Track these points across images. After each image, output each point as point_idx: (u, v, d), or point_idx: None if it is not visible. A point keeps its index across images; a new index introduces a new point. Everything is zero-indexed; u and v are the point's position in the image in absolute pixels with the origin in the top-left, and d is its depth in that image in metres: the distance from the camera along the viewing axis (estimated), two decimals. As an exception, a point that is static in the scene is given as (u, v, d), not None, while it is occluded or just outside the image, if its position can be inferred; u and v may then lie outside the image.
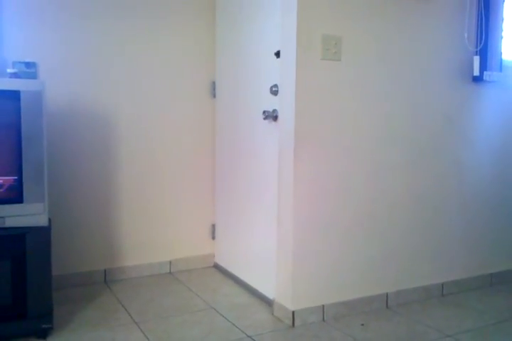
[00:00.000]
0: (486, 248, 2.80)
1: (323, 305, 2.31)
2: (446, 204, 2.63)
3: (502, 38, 2.61)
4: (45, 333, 2.09)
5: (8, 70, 2.13)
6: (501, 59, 2.62)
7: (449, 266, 2.67)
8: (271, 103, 2.40)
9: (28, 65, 2.20)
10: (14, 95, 1.97)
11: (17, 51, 2.48)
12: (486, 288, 2.76)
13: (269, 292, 2.48)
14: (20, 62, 2.19)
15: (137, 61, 2.80)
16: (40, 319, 2.06)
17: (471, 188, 2.70)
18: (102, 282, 2.80)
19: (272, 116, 2.37)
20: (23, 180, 2.00)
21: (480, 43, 2.58)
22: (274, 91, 2.34)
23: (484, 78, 2.58)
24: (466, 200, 2.70)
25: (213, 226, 3.11)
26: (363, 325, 2.27)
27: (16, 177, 2.00)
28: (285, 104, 2.24)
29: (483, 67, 2.58)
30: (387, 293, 2.48)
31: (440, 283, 2.64)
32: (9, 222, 2.00)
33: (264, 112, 2.39)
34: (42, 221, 2.05)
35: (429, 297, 2.60)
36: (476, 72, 2.58)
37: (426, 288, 2.60)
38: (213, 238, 3.12)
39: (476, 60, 2.58)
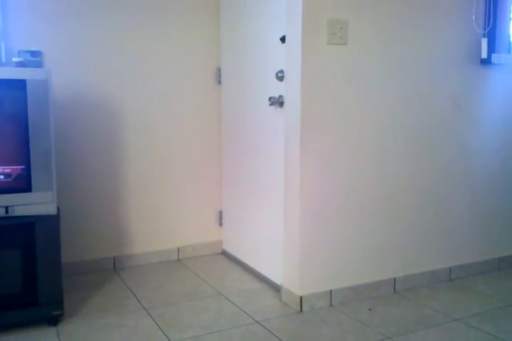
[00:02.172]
0: (494, 232, 2.79)
1: (330, 291, 2.32)
2: (454, 189, 2.62)
3: (510, 19, 2.57)
4: (55, 320, 2.12)
5: (14, 59, 2.13)
6: (509, 41, 2.59)
7: (457, 250, 2.67)
8: (277, 89, 2.39)
9: (33, 53, 2.19)
10: (20, 84, 1.97)
11: (22, 40, 2.48)
12: (494, 272, 2.76)
13: (276, 278, 2.49)
14: (25, 51, 2.18)
15: (142, 48, 2.79)
16: (51, 306, 2.09)
17: (478, 173, 2.69)
18: (111, 269, 2.83)
19: (277, 102, 2.36)
20: (31, 169, 2.01)
21: (488, 25, 2.54)
22: (280, 76, 2.33)
23: (492, 61, 2.55)
24: (474, 185, 2.68)
25: (220, 213, 3.12)
26: (370, 309, 2.28)
27: (23, 167, 2.01)
28: (291, 90, 2.23)
29: (491, 49, 2.54)
30: (394, 278, 2.49)
31: (448, 268, 2.64)
32: (18, 211, 2.02)
33: (270, 98, 2.38)
34: (51, 209, 2.07)
35: (437, 281, 2.61)
36: (484, 55, 2.55)
37: (434, 272, 2.60)
38: (221, 225, 3.13)
39: (484, 42, 2.54)
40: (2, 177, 1.99)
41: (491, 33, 2.55)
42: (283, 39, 2.28)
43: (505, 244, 2.83)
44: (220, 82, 3.02)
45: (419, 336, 2.02)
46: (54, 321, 2.11)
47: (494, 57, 2.55)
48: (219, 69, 3.01)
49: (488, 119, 2.67)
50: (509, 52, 2.59)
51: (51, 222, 2.07)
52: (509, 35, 2.58)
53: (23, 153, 2.00)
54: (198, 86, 2.97)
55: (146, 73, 2.82)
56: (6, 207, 2.00)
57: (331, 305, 2.32)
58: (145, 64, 2.81)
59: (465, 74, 2.56)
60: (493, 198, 2.76)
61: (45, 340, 1.99)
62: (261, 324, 2.14)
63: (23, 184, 2.01)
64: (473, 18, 2.53)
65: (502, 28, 2.56)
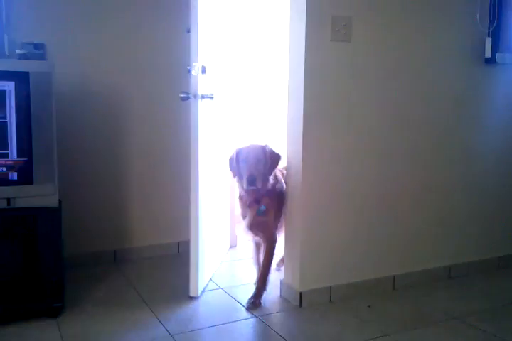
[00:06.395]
0: (494, 232, 2.79)
1: (330, 287, 2.33)
2: (456, 188, 2.62)
3: (515, 19, 2.56)
4: (56, 312, 2.12)
5: (17, 51, 2.13)
6: (514, 40, 2.58)
7: (457, 249, 2.67)
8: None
9: (36, 46, 2.18)
10: (23, 76, 1.97)
11: (26, 32, 2.47)
12: (493, 271, 2.76)
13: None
14: (29, 44, 2.18)
15: (147, 43, 2.79)
16: (52, 298, 2.10)
17: (480, 172, 2.69)
18: (111, 262, 2.83)
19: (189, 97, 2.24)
20: (34, 162, 2.01)
21: (492, 24, 2.54)
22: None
23: (496, 60, 2.54)
24: (476, 184, 2.68)
25: (222, 208, 3.12)
26: (369, 306, 2.29)
27: (26, 159, 2.01)
28: (294, 86, 2.22)
29: (496, 48, 2.54)
30: (394, 276, 2.49)
31: (447, 266, 2.64)
32: (20, 203, 2.02)
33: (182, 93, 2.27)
34: (52, 202, 2.07)
35: (436, 279, 2.61)
36: (488, 54, 2.54)
37: (433, 270, 2.60)
38: (222, 220, 3.13)
39: (488, 41, 2.54)
40: (4, 169, 1.99)
41: (496, 31, 2.54)
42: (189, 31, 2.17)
43: (505, 243, 2.83)
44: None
45: (417, 334, 2.03)
46: (55, 313, 2.12)
47: (498, 56, 2.54)
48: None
49: (491, 119, 2.67)
50: (513, 52, 2.59)
51: (52, 215, 2.08)
52: (514, 34, 2.57)
53: (25, 146, 2.00)
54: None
55: (150, 68, 2.81)
56: (8, 199, 2.00)
57: (330, 301, 2.33)
58: (149, 56, 2.80)
59: (468, 73, 2.56)
60: (494, 198, 2.76)
61: (45, 332, 2.00)
62: (260, 319, 2.14)
63: (25, 176, 2.02)
64: (478, 16, 2.52)
65: (506, 27, 2.55)
